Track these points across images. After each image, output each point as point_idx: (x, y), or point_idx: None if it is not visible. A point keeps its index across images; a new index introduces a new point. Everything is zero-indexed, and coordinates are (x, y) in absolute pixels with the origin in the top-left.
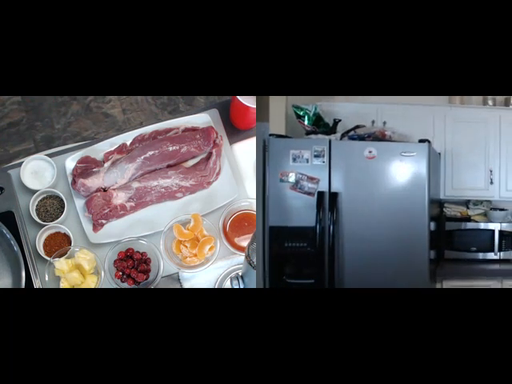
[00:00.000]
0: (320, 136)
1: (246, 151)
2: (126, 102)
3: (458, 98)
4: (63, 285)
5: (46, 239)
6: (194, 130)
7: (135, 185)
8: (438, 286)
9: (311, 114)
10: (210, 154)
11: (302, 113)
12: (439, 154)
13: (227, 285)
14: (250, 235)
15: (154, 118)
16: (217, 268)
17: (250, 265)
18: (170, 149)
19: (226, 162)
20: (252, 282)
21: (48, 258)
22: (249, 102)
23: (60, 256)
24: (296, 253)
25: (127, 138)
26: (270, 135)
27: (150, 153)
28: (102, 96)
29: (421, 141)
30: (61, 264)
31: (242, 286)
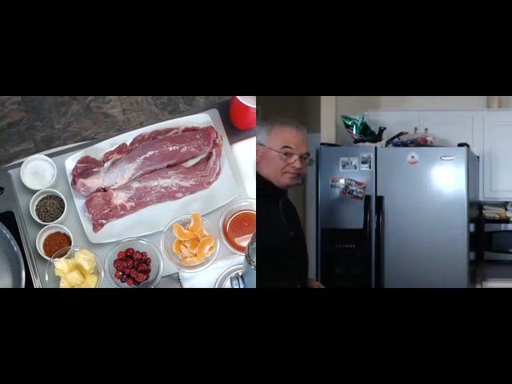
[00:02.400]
0: (367, 144)
1: (245, 151)
2: (126, 102)
3: (495, 101)
4: (63, 285)
5: (46, 239)
6: (194, 129)
7: (135, 185)
8: (478, 286)
9: (359, 124)
10: (210, 154)
11: (350, 122)
12: (478, 157)
13: (227, 285)
14: (250, 235)
15: (154, 118)
16: (217, 268)
17: (250, 265)
18: (170, 149)
19: (225, 162)
20: (252, 282)
21: (48, 258)
22: (249, 101)
23: (60, 256)
24: (345, 253)
25: (127, 137)
26: (321, 144)
27: (150, 153)
28: (102, 96)
29: (460, 145)
30: (61, 264)
31: (242, 286)
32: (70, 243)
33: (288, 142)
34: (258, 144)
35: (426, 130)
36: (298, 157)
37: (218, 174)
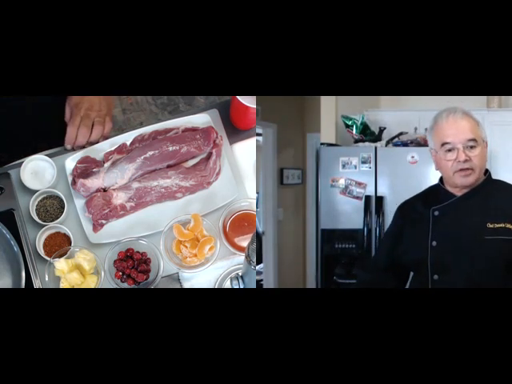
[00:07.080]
0: (367, 144)
1: (246, 151)
2: (126, 102)
3: (495, 101)
4: (63, 285)
5: (46, 239)
6: (194, 130)
7: (135, 185)
8: None
9: (359, 124)
10: (210, 154)
11: (350, 122)
12: None
13: (227, 285)
14: (250, 235)
15: (154, 118)
16: (217, 268)
17: (250, 265)
18: (170, 149)
19: (226, 162)
20: (252, 282)
21: (48, 258)
22: (249, 101)
23: (60, 256)
24: (345, 254)
25: (127, 138)
26: (321, 144)
27: (150, 153)
28: None
29: None
30: (61, 264)
31: (242, 286)
32: (69, 243)
33: (444, 137)
34: (430, 149)
35: (426, 130)
36: (462, 148)
37: (218, 174)
